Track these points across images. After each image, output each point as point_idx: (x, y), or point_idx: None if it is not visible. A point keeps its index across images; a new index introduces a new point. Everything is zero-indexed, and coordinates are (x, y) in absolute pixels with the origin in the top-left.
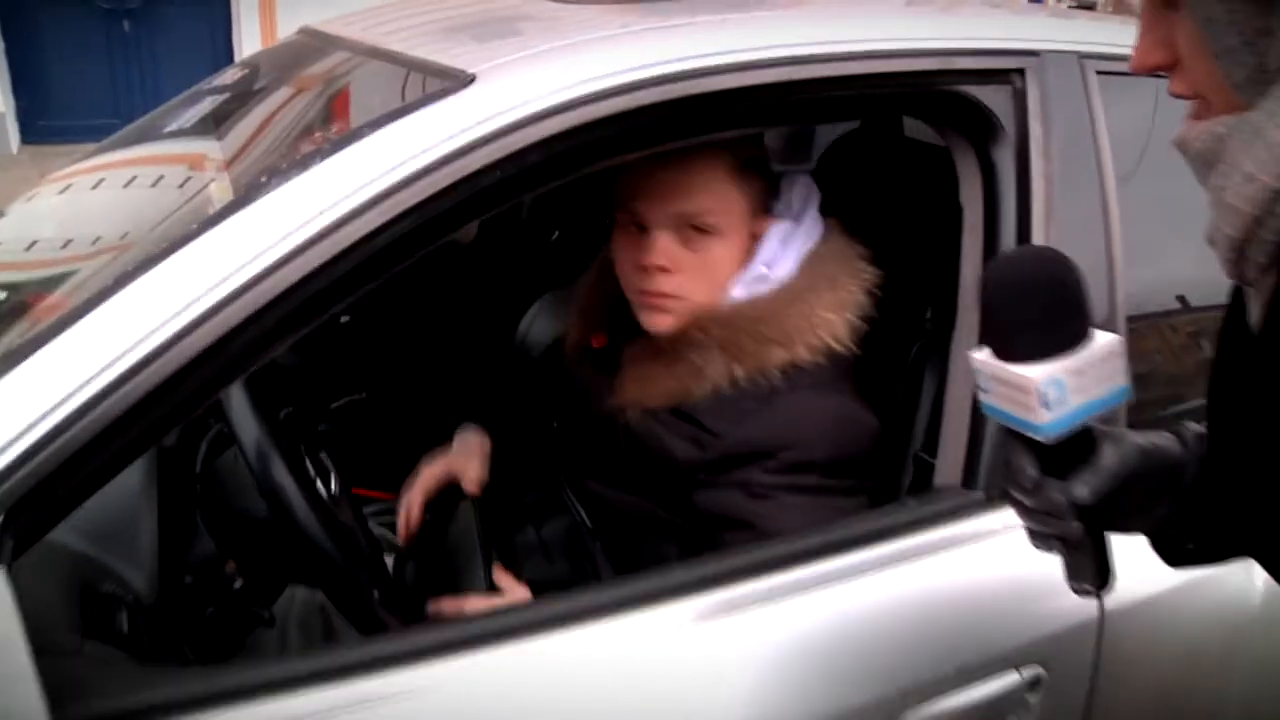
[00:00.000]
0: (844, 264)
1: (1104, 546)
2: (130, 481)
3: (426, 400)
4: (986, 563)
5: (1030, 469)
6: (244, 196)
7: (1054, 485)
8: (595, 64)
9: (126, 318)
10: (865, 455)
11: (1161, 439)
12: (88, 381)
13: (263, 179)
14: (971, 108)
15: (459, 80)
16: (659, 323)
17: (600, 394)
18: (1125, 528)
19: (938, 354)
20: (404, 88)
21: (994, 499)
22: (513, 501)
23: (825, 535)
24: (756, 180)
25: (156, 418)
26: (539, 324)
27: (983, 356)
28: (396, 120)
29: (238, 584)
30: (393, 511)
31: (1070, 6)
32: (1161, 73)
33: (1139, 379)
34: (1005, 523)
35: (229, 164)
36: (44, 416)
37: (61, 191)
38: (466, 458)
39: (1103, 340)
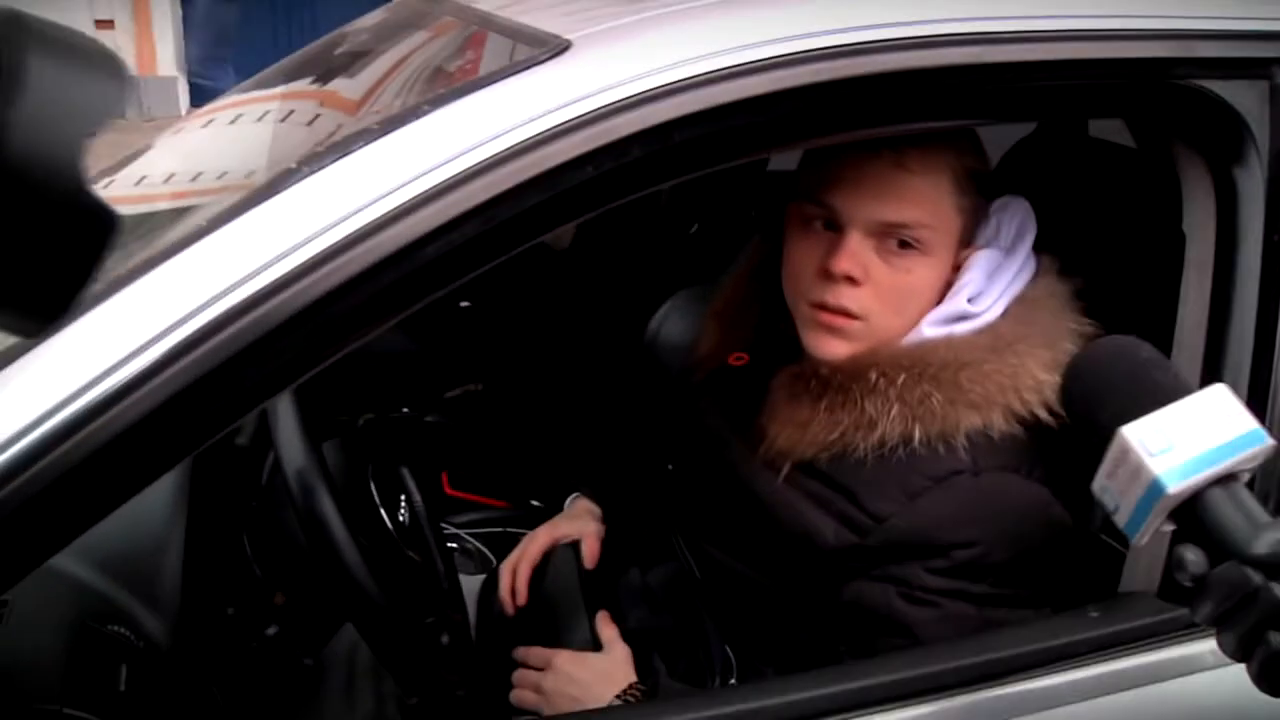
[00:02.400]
0: (1060, 316)
1: None
2: (157, 500)
3: (545, 399)
4: (1189, 704)
5: (1191, 555)
6: (264, 190)
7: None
8: (724, 33)
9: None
10: (1052, 559)
11: None
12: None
13: (293, 164)
14: (1213, 108)
15: (549, 48)
16: (831, 348)
17: (730, 431)
18: None
19: None
20: (490, 58)
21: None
22: (618, 541)
23: (985, 654)
24: (973, 198)
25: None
26: (671, 323)
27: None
28: (457, 100)
29: (271, 630)
30: (495, 523)
31: None
32: None
33: None
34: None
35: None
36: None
37: (204, 126)
38: (580, 525)
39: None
